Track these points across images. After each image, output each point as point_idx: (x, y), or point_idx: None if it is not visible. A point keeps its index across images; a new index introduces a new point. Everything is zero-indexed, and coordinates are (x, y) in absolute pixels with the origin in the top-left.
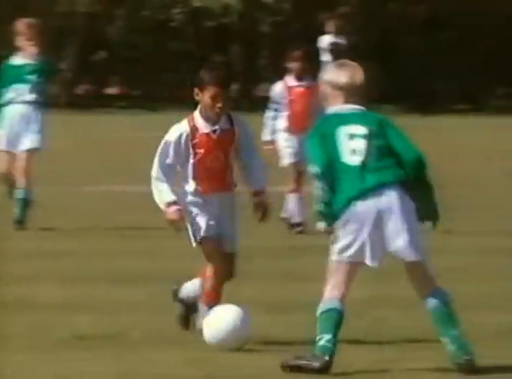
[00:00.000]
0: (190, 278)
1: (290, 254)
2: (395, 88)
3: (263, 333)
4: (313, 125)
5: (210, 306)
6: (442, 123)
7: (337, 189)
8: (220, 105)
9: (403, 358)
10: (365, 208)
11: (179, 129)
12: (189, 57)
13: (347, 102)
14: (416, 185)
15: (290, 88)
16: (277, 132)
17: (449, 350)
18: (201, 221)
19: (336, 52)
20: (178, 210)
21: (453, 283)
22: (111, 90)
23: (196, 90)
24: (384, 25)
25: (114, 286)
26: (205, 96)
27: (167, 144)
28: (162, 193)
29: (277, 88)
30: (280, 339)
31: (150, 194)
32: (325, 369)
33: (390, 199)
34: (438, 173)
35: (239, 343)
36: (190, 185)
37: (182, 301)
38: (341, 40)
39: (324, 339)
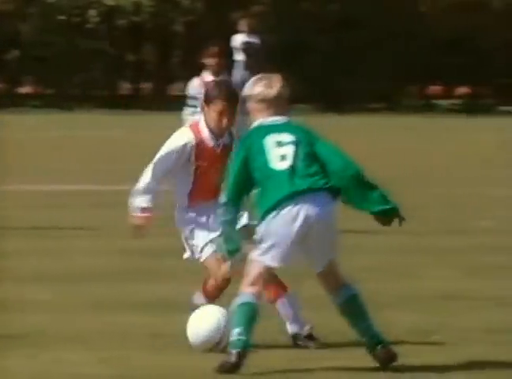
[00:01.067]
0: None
1: None
2: (308, 88)
3: (174, 332)
4: (239, 139)
5: (209, 300)
6: (356, 122)
7: (265, 193)
8: (226, 120)
9: (319, 357)
10: (293, 211)
11: (184, 137)
12: (102, 56)
13: (270, 114)
14: (356, 191)
15: (206, 84)
16: None
17: (365, 342)
18: (200, 240)
19: (249, 51)
20: (149, 217)
21: (366, 283)
22: (24, 89)
23: (202, 104)
24: (297, 25)
25: (24, 285)
26: (211, 111)
27: (169, 152)
28: (141, 198)
29: (194, 84)
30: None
31: (62, 193)
32: (241, 360)
33: (317, 204)
34: None
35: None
36: (185, 199)
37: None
38: (254, 39)
39: (237, 332)
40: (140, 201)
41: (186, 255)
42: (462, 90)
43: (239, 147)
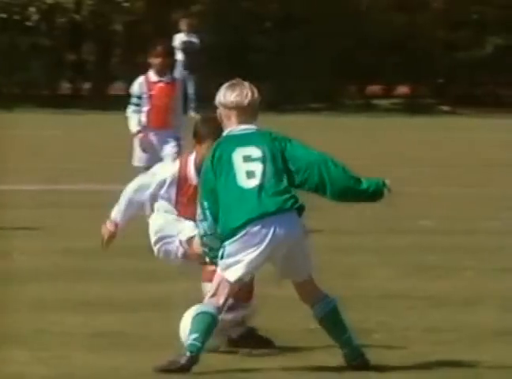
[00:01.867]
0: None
1: (144, 254)
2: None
3: (114, 332)
4: (210, 148)
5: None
6: (295, 121)
7: (232, 210)
8: None
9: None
10: (262, 232)
11: (169, 171)
12: (42, 55)
13: (240, 122)
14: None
15: (151, 84)
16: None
17: (344, 353)
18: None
19: (189, 51)
20: (114, 230)
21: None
22: None
23: (193, 142)
24: (237, 24)
25: None
26: (202, 149)
27: (156, 181)
28: (117, 209)
29: (138, 83)
30: (131, 337)
31: (1, 192)
32: (191, 364)
33: (286, 225)
34: None
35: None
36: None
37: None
38: (194, 39)
39: (194, 337)
40: (113, 212)
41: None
42: (402, 89)
43: (209, 159)
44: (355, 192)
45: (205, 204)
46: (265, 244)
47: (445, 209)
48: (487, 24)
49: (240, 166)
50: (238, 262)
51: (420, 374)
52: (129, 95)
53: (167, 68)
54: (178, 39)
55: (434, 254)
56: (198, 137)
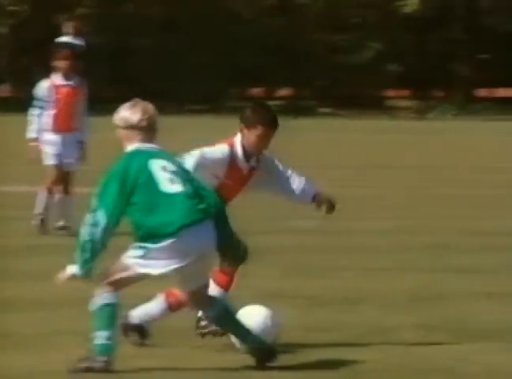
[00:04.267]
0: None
1: (30, 253)
2: (131, 89)
3: (17, 332)
4: (114, 164)
5: (222, 286)
6: (176, 122)
7: (156, 214)
8: (264, 145)
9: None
10: (192, 239)
11: (223, 153)
12: None
13: (143, 140)
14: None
15: (57, 87)
16: (42, 131)
17: (246, 347)
18: None
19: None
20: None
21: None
22: None
23: (241, 126)
24: (120, 27)
25: None
26: (251, 136)
27: (208, 157)
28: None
29: (43, 87)
30: (34, 337)
31: None
32: (108, 366)
33: (209, 234)
34: None
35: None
36: None
37: (135, 327)
38: (79, 42)
39: (105, 336)
40: None
41: None
42: (284, 92)
43: (117, 170)
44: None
45: (104, 210)
46: (194, 251)
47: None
48: (368, 29)
49: (160, 174)
50: (160, 264)
51: (302, 373)
52: (15, 98)
53: (73, 71)
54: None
55: (315, 254)
56: (248, 123)
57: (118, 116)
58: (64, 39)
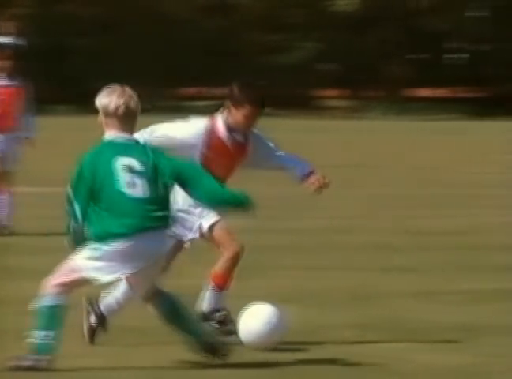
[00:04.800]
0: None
1: None
2: (66, 89)
3: None
4: (246, 115)
5: (221, 288)
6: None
7: (111, 215)
8: (251, 124)
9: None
10: (141, 244)
11: (200, 123)
12: None
13: (119, 129)
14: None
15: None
16: None
17: (195, 342)
18: (195, 217)
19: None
20: None
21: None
22: None
23: (228, 103)
24: (54, 26)
25: None
26: (238, 114)
27: (181, 129)
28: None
29: None
30: None
31: None
32: (49, 365)
33: (162, 241)
34: None
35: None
36: None
37: (99, 315)
38: (16, 41)
39: (48, 336)
40: None
41: (190, 236)
42: (219, 91)
43: (85, 162)
44: (222, 200)
45: (79, 205)
46: (145, 257)
47: (268, 209)
48: (305, 29)
49: (122, 175)
50: (110, 269)
51: (234, 371)
52: None
53: (16, 72)
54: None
55: (253, 253)
56: (235, 101)
57: (97, 102)
58: (4, 39)
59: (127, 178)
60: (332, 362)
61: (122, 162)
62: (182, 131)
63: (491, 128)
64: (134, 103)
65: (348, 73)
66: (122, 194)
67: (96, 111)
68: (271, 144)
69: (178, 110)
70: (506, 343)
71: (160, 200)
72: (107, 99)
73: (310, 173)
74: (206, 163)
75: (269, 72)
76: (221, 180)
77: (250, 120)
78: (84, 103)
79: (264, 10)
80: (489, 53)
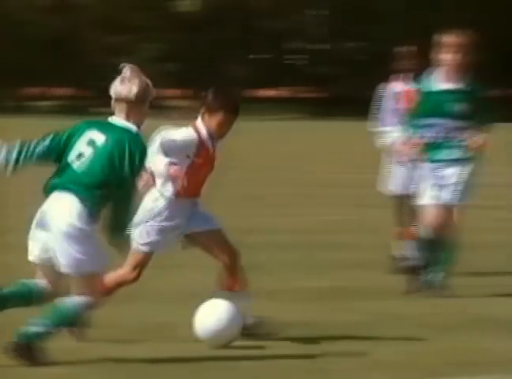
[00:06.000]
0: None
1: None
2: None
3: None
4: (221, 122)
5: (231, 289)
6: None
7: (55, 175)
8: (225, 131)
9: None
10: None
11: (190, 134)
12: None
13: (119, 113)
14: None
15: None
16: None
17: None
18: (161, 235)
19: None
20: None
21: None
22: None
23: (203, 109)
24: None
25: None
26: (212, 121)
27: (176, 142)
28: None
29: None
30: None
31: None
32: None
33: (60, 208)
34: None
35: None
36: (169, 189)
37: None
38: None
39: (51, 328)
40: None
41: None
42: (62, 91)
43: (74, 128)
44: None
45: (51, 137)
46: (44, 220)
47: None
48: (146, 30)
49: (79, 147)
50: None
51: (90, 368)
52: None
53: None
54: None
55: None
56: (208, 108)
57: (111, 88)
58: None
59: (81, 149)
60: (167, 359)
61: (89, 135)
62: (183, 136)
63: (332, 127)
64: (134, 90)
65: (191, 74)
66: (68, 164)
67: None
68: None
69: (21, 110)
70: (343, 340)
71: (90, 172)
72: (115, 84)
73: None
74: (194, 171)
75: (113, 73)
76: (198, 191)
77: (224, 127)
78: None
79: (108, 12)
80: (327, 53)
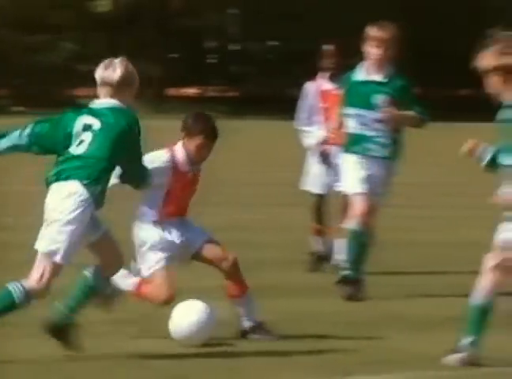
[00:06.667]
0: None
1: None
2: None
3: None
4: (199, 146)
5: (234, 297)
6: None
7: (57, 166)
8: (204, 155)
9: None
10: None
11: (162, 159)
12: None
13: (104, 96)
14: None
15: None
16: None
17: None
18: (151, 260)
19: None
20: None
21: None
22: None
23: (182, 134)
24: None
25: None
26: (191, 145)
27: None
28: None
29: None
30: None
31: None
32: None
33: (58, 195)
34: None
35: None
36: (154, 213)
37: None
38: None
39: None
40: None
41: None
42: None
43: (65, 114)
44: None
45: (32, 126)
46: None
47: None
48: (63, 29)
49: (77, 135)
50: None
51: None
52: None
53: None
54: None
55: (18, 251)
56: (188, 132)
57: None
58: None
59: (80, 137)
60: (86, 357)
61: (83, 121)
62: (155, 162)
63: (244, 126)
64: (120, 72)
65: None
66: (69, 153)
67: None
68: None
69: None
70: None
71: (86, 159)
72: (99, 69)
73: None
74: (170, 194)
75: (29, 71)
76: (183, 211)
77: (203, 151)
78: None
79: (24, 10)
80: (238, 52)
